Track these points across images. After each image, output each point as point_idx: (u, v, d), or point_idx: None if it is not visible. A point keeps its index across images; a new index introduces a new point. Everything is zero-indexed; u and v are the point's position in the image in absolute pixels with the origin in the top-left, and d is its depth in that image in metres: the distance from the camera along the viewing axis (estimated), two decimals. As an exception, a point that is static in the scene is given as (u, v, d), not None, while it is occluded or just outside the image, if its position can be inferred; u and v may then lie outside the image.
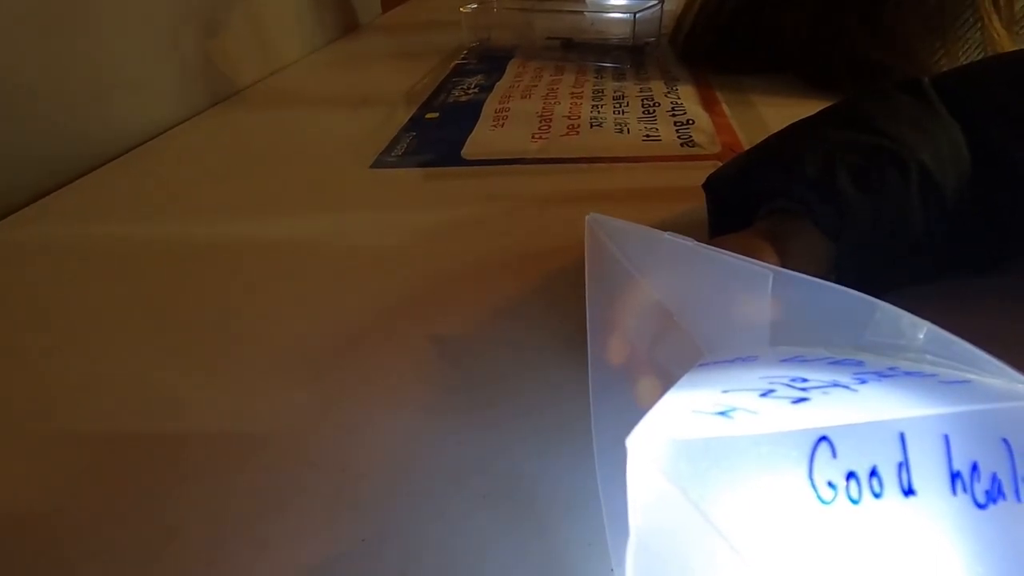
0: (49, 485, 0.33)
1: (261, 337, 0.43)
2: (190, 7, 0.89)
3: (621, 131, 0.75)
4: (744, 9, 0.87)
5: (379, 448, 0.34)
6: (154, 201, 0.65)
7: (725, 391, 0.20)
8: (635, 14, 1.00)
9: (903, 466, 0.17)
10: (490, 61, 1.05)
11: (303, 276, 0.51)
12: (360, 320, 0.44)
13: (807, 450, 0.17)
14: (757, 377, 0.20)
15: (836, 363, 0.20)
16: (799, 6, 0.82)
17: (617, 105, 0.83)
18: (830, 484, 0.17)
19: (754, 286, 0.24)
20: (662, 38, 1.07)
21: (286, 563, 0.28)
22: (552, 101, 0.85)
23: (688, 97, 0.84)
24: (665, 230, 0.28)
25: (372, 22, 1.45)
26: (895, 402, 0.18)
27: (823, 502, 0.17)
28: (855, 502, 0.17)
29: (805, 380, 0.19)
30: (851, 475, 0.17)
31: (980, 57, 0.71)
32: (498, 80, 0.96)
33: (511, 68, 1.01)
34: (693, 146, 0.69)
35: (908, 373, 0.19)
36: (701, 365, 0.22)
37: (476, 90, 0.92)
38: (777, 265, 0.26)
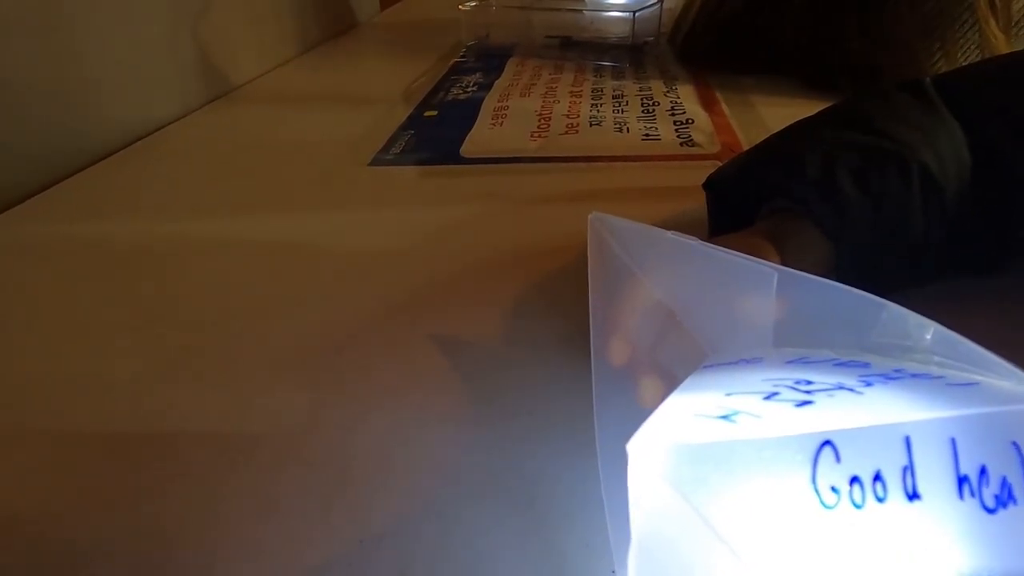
0: (41, 485, 0.33)
1: (257, 335, 0.43)
2: (187, 3, 0.88)
3: (620, 130, 0.75)
4: (744, 9, 0.87)
5: (377, 448, 0.34)
6: (149, 198, 0.64)
7: (728, 394, 0.19)
8: (634, 13, 1.00)
9: (908, 470, 0.17)
10: (489, 59, 1.05)
11: (299, 274, 0.50)
12: (357, 318, 0.44)
13: (810, 454, 0.17)
14: (761, 379, 0.20)
15: (841, 364, 0.20)
16: (799, 7, 0.82)
17: (616, 104, 0.83)
18: (833, 488, 0.17)
19: (758, 285, 0.24)
20: (661, 37, 1.07)
21: (283, 564, 0.28)
22: (551, 100, 0.85)
23: (687, 96, 0.84)
24: (667, 229, 0.27)
25: (370, 20, 1.45)
26: (901, 405, 0.18)
27: (826, 507, 0.17)
28: (858, 507, 0.17)
29: (810, 382, 0.19)
30: (855, 479, 0.17)
31: (978, 59, 0.72)
32: (497, 78, 0.95)
33: (510, 66, 1.01)
34: (692, 145, 0.69)
35: (915, 375, 0.18)
36: (704, 367, 0.22)
37: (475, 88, 0.92)
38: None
